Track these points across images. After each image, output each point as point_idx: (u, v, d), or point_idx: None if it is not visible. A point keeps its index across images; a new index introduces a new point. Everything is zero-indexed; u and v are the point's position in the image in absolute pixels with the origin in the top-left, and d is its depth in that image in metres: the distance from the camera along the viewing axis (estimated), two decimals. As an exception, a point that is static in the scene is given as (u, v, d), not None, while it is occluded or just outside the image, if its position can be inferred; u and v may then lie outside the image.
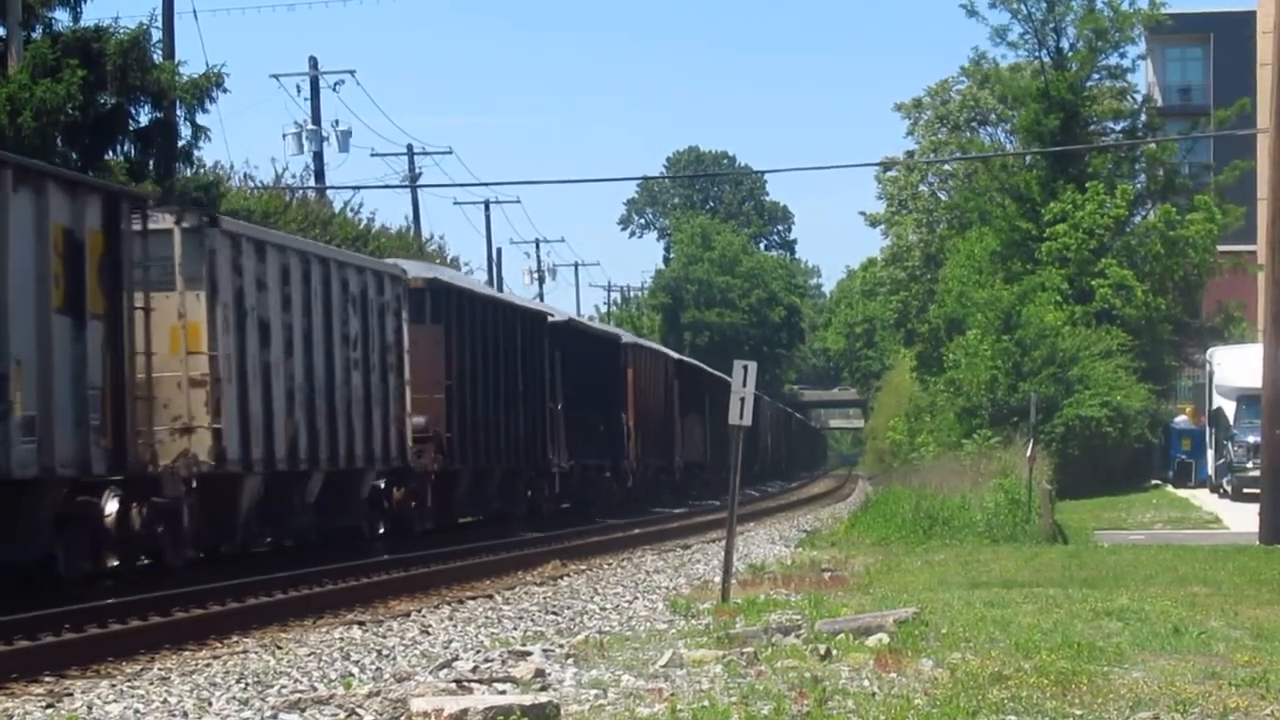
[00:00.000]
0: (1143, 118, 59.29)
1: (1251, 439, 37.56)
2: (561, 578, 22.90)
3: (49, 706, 11.57)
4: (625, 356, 45.50)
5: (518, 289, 78.46)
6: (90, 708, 11.44)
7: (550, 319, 37.90)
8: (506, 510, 34.68)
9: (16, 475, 17.27)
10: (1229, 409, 43.78)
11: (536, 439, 35.41)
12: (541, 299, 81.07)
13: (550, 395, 36.40)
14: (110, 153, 34.08)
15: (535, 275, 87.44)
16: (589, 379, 40.29)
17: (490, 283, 68.62)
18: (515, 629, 16.03)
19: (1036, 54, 56.51)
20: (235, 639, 15.92)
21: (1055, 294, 51.83)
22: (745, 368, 17.51)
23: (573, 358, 38.64)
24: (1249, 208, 54.80)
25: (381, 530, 27.44)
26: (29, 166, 18.42)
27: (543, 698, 10.12)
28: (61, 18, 34.82)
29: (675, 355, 58.29)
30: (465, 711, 9.73)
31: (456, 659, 13.03)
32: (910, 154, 73.50)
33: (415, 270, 30.60)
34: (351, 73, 54.74)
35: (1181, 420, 52.03)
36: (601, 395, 42.01)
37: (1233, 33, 67.26)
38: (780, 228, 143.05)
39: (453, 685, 11.42)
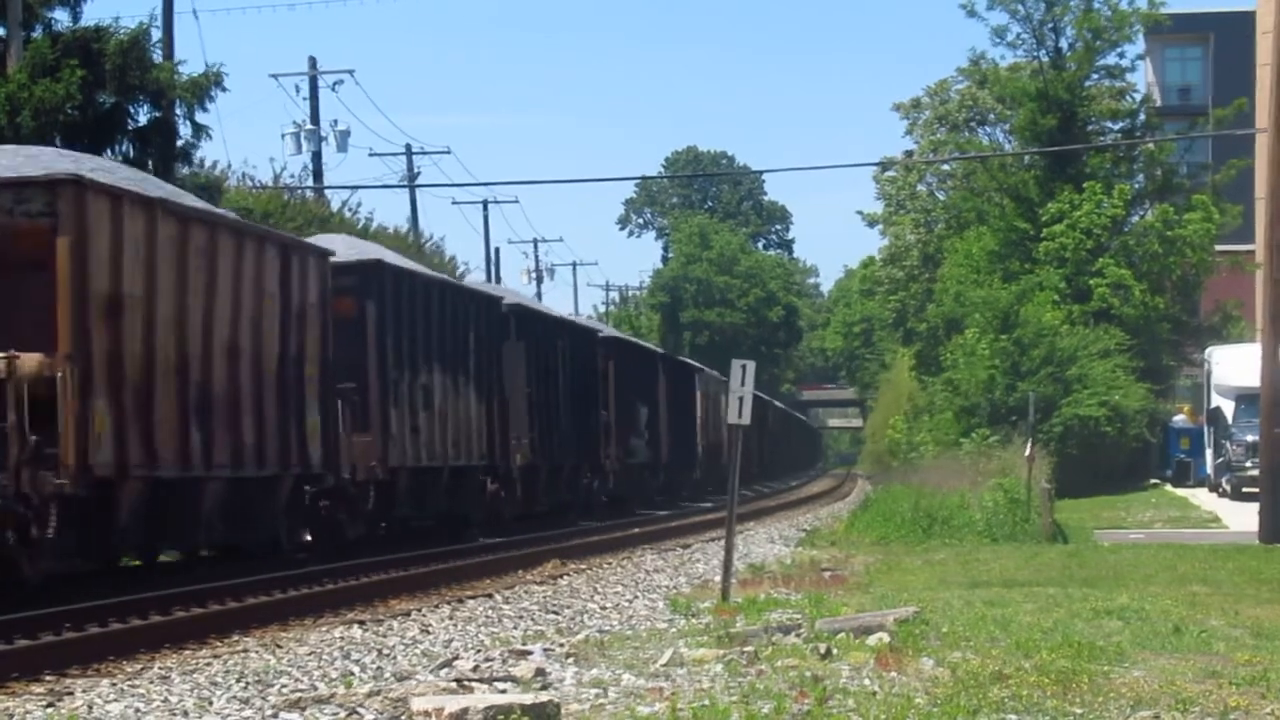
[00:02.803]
0: (1141, 117, 59.31)
1: (1250, 438, 37.60)
2: (561, 577, 22.90)
3: (49, 705, 11.56)
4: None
5: (516, 288, 78.40)
6: (91, 707, 11.43)
7: None
8: None
9: None
10: (1228, 408, 43.80)
11: None
12: (540, 299, 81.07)
13: None
14: (109, 152, 34.10)
15: (533, 275, 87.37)
16: None
17: (489, 282, 68.52)
18: (515, 628, 16.03)
19: (1035, 54, 56.59)
20: (236, 638, 15.92)
21: (1053, 293, 51.85)
22: (744, 367, 17.53)
23: None
24: (1246, 207, 54.87)
25: None
26: None
27: (543, 697, 10.12)
28: (61, 17, 34.94)
29: (419, 270, 30.41)
30: (466, 710, 9.73)
31: (457, 658, 13.04)
32: (909, 154, 73.52)
33: None
34: (350, 72, 54.68)
35: (1180, 419, 52.04)
36: None
37: (1232, 33, 67.37)
38: (778, 227, 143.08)
39: (453, 684, 11.42)
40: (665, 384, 50.56)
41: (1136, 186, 56.99)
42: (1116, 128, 58.83)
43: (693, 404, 56.92)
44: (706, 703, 10.16)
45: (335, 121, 53.81)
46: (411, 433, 27.38)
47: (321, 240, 27.72)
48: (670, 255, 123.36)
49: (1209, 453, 46.33)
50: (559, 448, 36.75)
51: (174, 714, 11.06)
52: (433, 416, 28.41)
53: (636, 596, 19.25)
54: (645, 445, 46.41)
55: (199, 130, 35.34)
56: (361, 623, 16.98)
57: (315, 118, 52.69)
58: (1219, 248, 55.37)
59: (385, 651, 14.30)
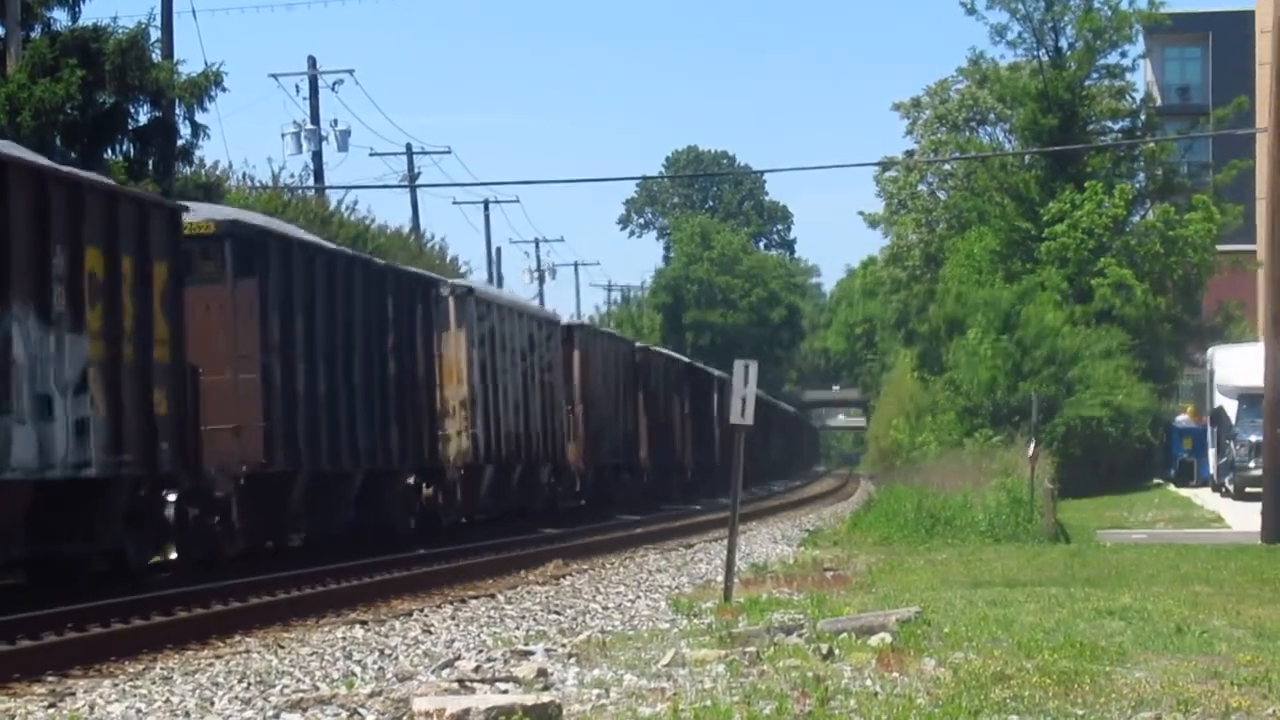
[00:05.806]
0: (1142, 117, 59.31)
1: (1253, 438, 37.60)
2: (564, 577, 22.89)
3: (51, 706, 11.55)
4: None
5: (518, 289, 78.23)
6: (92, 707, 11.42)
7: None
8: None
9: None
10: (1230, 408, 43.81)
11: None
12: (541, 300, 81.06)
13: None
14: (109, 152, 34.10)
15: (535, 275, 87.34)
16: None
17: (490, 282, 68.60)
18: (517, 628, 16.02)
19: (1035, 53, 56.59)
20: (238, 638, 15.91)
21: (1055, 294, 51.86)
22: (747, 366, 17.53)
23: None
24: (1247, 206, 54.90)
25: None
26: None
27: (545, 697, 10.11)
28: (60, 17, 34.92)
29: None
30: (467, 711, 9.71)
31: (459, 658, 13.02)
32: (909, 153, 73.42)
33: None
34: (350, 72, 54.66)
35: (1183, 419, 52.06)
36: None
37: (1231, 32, 67.42)
38: (780, 227, 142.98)
39: (455, 685, 11.41)
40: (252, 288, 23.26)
41: (1137, 186, 57.01)
42: (1117, 127, 58.84)
43: (423, 351, 29.77)
44: (708, 703, 10.15)
45: (335, 121, 53.85)
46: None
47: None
48: (672, 255, 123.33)
49: (1212, 453, 46.34)
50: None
51: (176, 714, 11.05)
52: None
53: (639, 597, 19.24)
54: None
55: (198, 130, 35.36)
56: (363, 623, 16.98)
57: (315, 117, 52.67)
58: (1220, 248, 55.39)
59: (387, 652, 14.29)
